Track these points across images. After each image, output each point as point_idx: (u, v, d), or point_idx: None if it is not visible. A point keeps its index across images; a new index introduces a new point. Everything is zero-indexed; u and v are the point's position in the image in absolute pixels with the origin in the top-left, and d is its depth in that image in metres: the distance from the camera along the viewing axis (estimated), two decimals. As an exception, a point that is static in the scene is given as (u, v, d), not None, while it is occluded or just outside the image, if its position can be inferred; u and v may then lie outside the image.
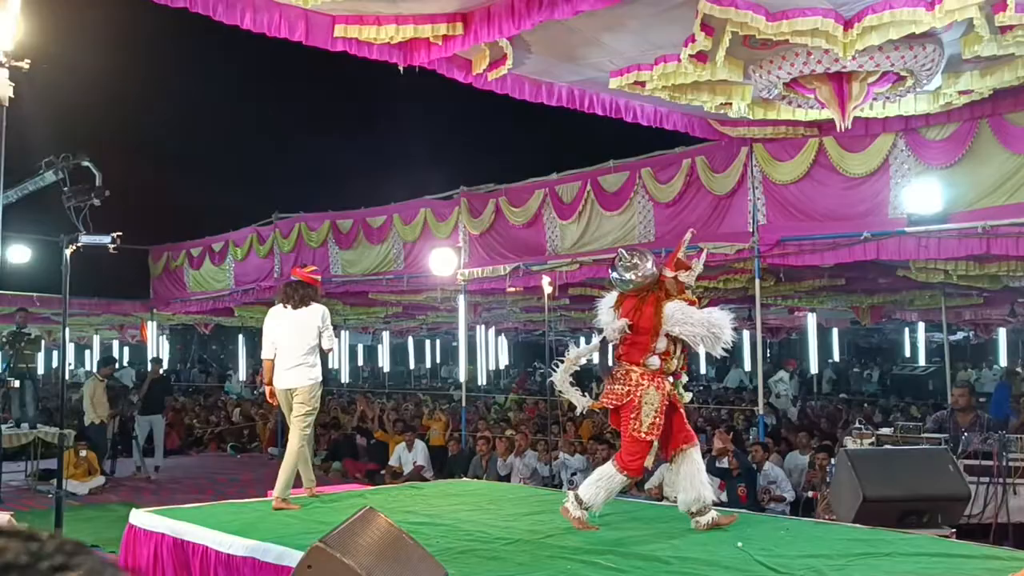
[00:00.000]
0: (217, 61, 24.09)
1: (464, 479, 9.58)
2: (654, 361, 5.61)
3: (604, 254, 12.56)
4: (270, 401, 7.42)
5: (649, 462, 5.78)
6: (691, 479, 5.68)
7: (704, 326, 5.55)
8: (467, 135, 26.52)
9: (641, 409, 5.56)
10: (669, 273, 5.74)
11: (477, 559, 4.99)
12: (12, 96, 3.04)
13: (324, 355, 7.33)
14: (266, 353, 7.21)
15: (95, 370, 14.36)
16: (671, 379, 5.72)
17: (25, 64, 3.03)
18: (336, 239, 16.75)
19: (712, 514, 5.71)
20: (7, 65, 3.02)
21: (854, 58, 7.16)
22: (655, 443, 5.67)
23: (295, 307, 7.03)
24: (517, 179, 14.19)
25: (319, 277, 7.50)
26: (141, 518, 6.16)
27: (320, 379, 7.08)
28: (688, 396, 5.94)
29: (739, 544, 5.23)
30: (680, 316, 5.58)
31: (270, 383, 7.19)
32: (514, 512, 6.53)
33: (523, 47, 7.96)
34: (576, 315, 24.20)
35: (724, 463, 10.05)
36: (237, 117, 27.37)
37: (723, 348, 5.62)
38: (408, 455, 12.96)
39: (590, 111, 9.40)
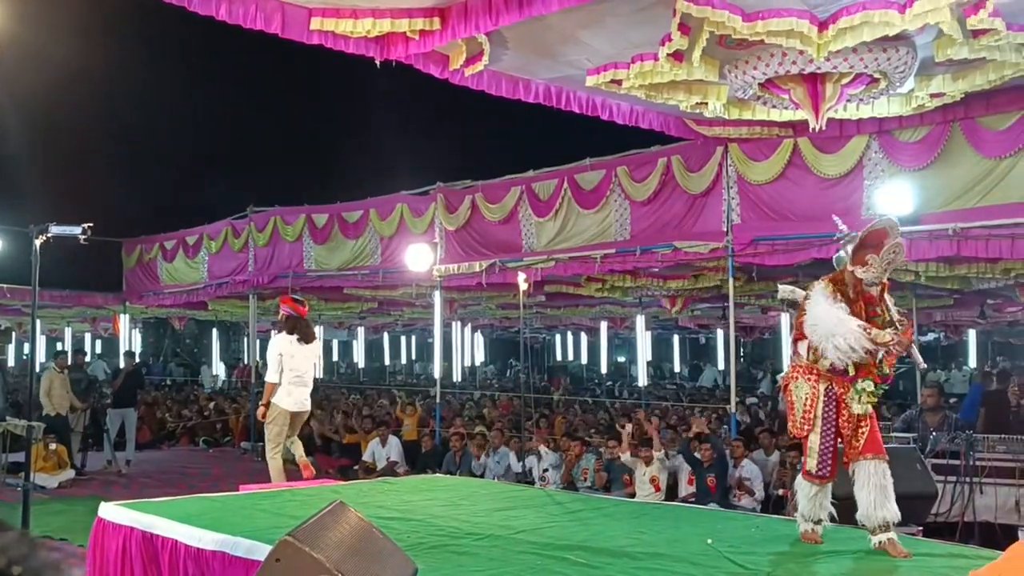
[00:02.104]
0: (195, 54, 23.94)
1: (437, 475, 9.58)
2: (801, 350, 5.21)
3: (580, 251, 12.62)
4: (261, 420, 8.32)
5: (812, 464, 5.14)
6: (867, 492, 5.00)
7: (822, 326, 4.93)
8: (444, 131, 26.51)
9: (794, 403, 5.24)
10: (849, 267, 5.03)
11: (448, 554, 5.00)
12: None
13: None
14: (273, 377, 8.12)
15: (51, 362, 14.15)
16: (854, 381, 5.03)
17: (-6, 52, 3.00)
18: (311, 233, 16.69)
19: (891, 535, 4.99)
20: (-24, 52, 2.99)
21: (828, 59, 7.22)
22: (816, 441, 5.10)
23: (307, 342, 8.14)
24: (494, 176, 14.19)
25: (307, 308, 8.51)
26: (110, 512, 6.11)
27: None
28: (858, 407, 5.00)
29: (709, 541, 5.26)
30: (807, 304, 5.11)
31: (267, 404, 8.13)
32: (486, 508, 6.54)
33: (500, 43, 7.95)
34: (551, 312, 24.25)
35: (696, 453, 10.13)
36: (213, 110, 27.22)
37: (840, 358, 4.91)
38: (382, 450, 12.94)
39: (567, 109, 9.41)
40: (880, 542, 4.94)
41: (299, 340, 8.17)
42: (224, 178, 26.60)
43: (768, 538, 5.49)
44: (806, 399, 5.15)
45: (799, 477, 5.34)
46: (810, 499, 5.23)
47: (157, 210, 23.53)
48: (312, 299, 19.90)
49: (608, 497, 8.57)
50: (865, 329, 4.80)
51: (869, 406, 5.02)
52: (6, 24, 3.02)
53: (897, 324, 5.07)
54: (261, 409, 8.28)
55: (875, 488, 4.98)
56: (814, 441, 5.15)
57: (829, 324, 4.89)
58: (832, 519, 5.33)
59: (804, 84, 7.78)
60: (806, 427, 5.17)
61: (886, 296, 5.16)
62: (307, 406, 8.29)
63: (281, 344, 8.18)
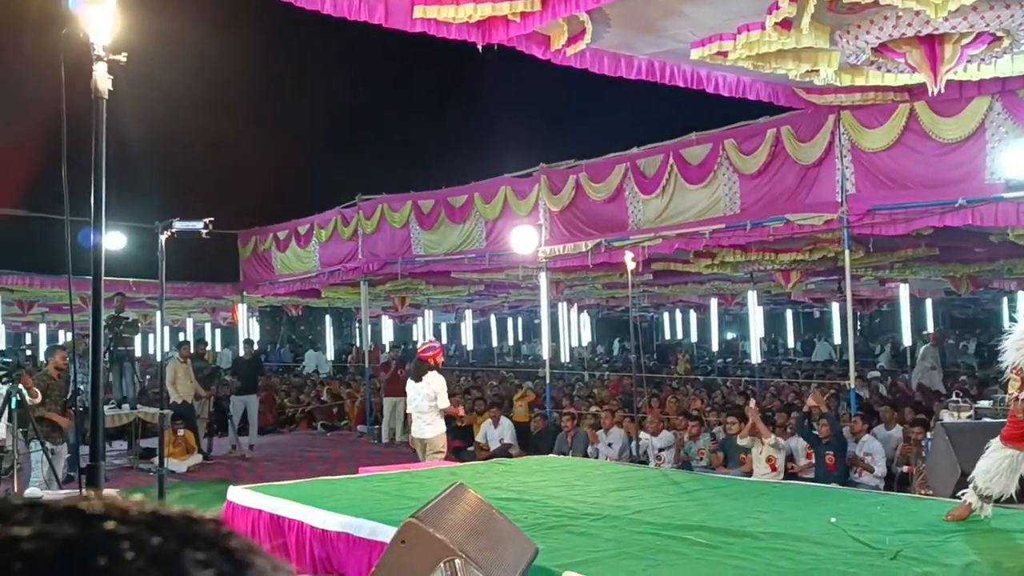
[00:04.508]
0: (305, 42, 24.45)
1: (551, 455, 9.63)
2: None
3: (688, 228, 12.43)
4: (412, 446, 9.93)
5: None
6: None
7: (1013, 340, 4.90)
8: (547, 111, 26.48)
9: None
10: None
11: (566, 535, 5.02)
12: (111, 89, 3.13)
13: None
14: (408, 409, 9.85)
15: (175, 352, 14.72)
16: None
17: (123, 57, 3.11)
18: (418, 219, 16.88)
19: None
20: (106, 59, 3.11)
21: (946, 19, 6.89)
22: None
23: (416, 381, 9.32)
24: (597, 154, 14.09)
25: (430, 352, 9.55)
26: (238, 495, 6.35)
27: (443, 430, 9.39)
28: None
29: (832, 520, 5.15)
30: None
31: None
32: (601, 488, 6.54)
33: (602, 21, 7.86)
34: (660, 290, 24.01)
35: (814, 430, 9.91)
36: (318, 103, 27.81)
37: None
38: (494, 432, 13.06)
39: (671, 84, 9.25)
40: None
41: (411, 379, 9.51)
42: (333, 166, 27.20)
43: (894, 516, 5.34)
44: None
45: (995, 441, 5.03)
46: (1002, 469, 4.90)
47: (270, 201, 24.19)
48: (420, 284, 20.25)
49: (725, 476, 8.45)
50: (1018, 372, 4.79)
51: None
52: (128, 33, 3.15)
53: None
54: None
55: None
56: None
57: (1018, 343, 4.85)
58: (1012, 499, 5.03)
59: (921, 46, 7.45)
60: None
61: None
62: (425, 434, 9.26)
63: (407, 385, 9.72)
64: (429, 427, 9.26)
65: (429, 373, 9.27)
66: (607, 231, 13.43)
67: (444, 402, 9.31)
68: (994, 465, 4.91)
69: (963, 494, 5.12)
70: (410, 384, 9.49)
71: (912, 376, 17.24)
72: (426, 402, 9.23)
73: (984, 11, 6.96)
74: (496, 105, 27.73)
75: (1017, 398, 4.81)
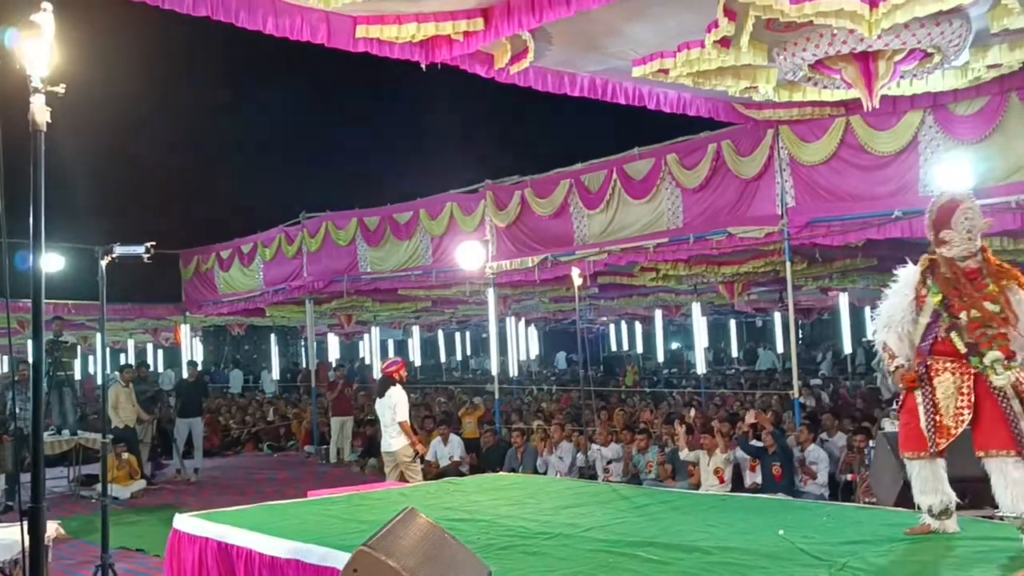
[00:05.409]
0: (243, 61, 24.25)
1: (501, 473, 9.63)
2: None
3: (632, 242, 12.55)
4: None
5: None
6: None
7: (877, 319, 5.15)
8: (490, 128, 26.58)
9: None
10: (936, 252, 4.95)
11: (518, 555, 5.01)
12: (49, 121, 3.08)
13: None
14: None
15: (116, 375, 14.40)
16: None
17: (61, 89, 3.07)
18: (364, 236, 16.81)
19: None
20: (43, 91, 3.06)
21: (880, 37, 7.07)
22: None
23: (380, 396, 9.76)
24: (542, 170, 14.17)
25: (393, 368, 9.94)
26: (185, 523, 6.22)
27: (405, 443, 9.58)
28: (999, 378, 4.60)
29: (780, 532, 5.21)
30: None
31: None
32: (553, 506, 6.55)
33: (545, 39, 7.94)
34: (605, 303, 24.18)
35: (757, 442, 10.05)
36: (260, 122, 27.58)
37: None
38: (444, 449, 12.99)
39: (613, 100, 9.35)
40: None
41: (376, 396, 9.96)
42: (275, 186, 26.98)
43: (840, 526, 5.42)
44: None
45: (904, 459, 5.06)
46: (924, 483, 4.89)
47: (211, 221, 23.91)
48: (367, 301, 20.14)
49: (674, 490, 8.52)
50: (885, 349, 5.07)
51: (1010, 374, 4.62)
52: (67, 64, 3.11)
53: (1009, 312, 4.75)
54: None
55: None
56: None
57: (879, 322, 5.15)
58: (960, 504, 5.03)
59: (856, 63, 7.64)
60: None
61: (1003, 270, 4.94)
62: (391, 447, 9.63)
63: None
64: (394, 440, 9.60)
65: (391, 388, 9.64)
66: (553, 246, 13.51)
67: (402, 415, 9.57)
68: (917, 483, 4.96)
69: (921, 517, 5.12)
70: (377, 401, 9.89)
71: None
72: (389, 415, 9.59)
73: (915, 29, 7.16)
74: (441, 120, 27.74)
75: (890, 371, 5.04)
